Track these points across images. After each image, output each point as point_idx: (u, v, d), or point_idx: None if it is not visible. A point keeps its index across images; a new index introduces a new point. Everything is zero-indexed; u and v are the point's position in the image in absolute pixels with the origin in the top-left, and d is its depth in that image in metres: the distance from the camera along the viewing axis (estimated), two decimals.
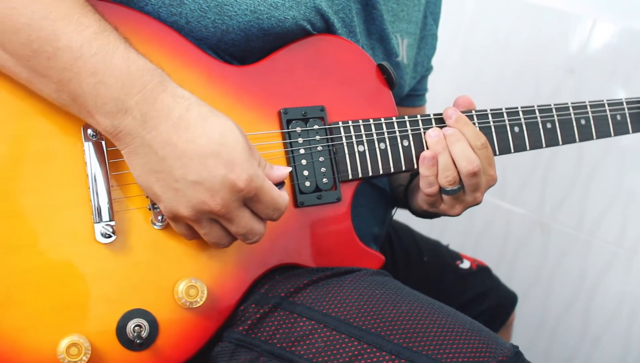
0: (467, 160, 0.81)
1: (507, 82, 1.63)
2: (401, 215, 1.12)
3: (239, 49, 0.78)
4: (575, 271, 1.63)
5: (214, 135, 0.63)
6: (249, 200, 0.65)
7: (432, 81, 1.15)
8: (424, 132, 0.85)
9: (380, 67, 0.85)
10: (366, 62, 0.85)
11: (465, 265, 1.18)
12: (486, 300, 1.15)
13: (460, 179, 0.83)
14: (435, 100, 1.16)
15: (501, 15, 1.62)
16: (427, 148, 0.84)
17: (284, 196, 0.68)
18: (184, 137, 0.63)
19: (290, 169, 0.71)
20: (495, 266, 1.25)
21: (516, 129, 0.89)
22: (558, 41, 1.57)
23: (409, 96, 1.06)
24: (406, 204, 0.98)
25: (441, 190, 0.83)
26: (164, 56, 0.74)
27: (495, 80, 1.65)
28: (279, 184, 0.69)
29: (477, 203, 0.87)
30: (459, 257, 1.20)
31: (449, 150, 0.82)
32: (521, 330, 1.36)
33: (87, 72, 0.62)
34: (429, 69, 1.09)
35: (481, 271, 1.19)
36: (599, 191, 1.56)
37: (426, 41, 1.03)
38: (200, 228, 0.67)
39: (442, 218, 0.94)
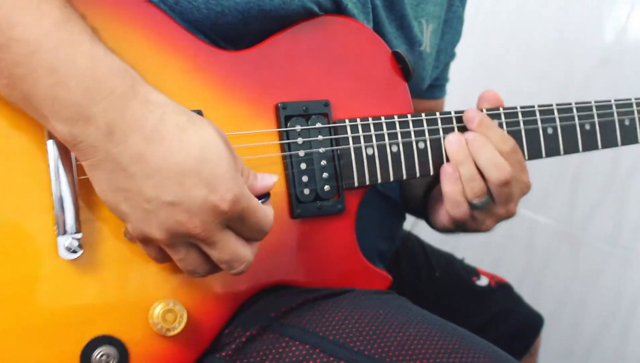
0: (496, 167, 0.81)
1: (532, 72, 1.62)
2: (409, 223, 1.10)
3: (235, 32, 0.76)
4: (610, 290, 1.62)
5: (193, 149, 0.61)
6: (233, 222, 0.64)
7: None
8: (444, 136, 0.83)
9: (396, 55, 0.84)
10: (379, 48, 0.83)
11: (483, 281, 1.18)
12: (507, 322, 1.14)
13: (489, 190, 0.82)
14: (452, 93, 1.13)
15: None
16: (447, 157, 0.82)
17: (269, 216, 0.66)
18: (158, 152, 0.60)
19: (277, 178, 0.69)
20: (517, 283, 1.24)
21: (549, 130, 0.88)
22: (590, 27, 1.55)
23: (430, 85, 1.05)
24: (424, 216, 0.97)
25: (471, 206, 0.83)
26: (141, 36, 0.72)
27: (519, 69, 1.64)
28: (263, 197, 0.67)
29: (511, 216, 0.86)
30: (475, 273, 1.19)
31: (473, 158, 0.81)
32: (547, 357, 1.34)
33: (43, 70, 0.59)
34: (452, 55, 1.08)
35: (501, 289, 1.18)
36: (638, 198, 1.54)
37: (451, 24, 1.02)
38: (174, 252, 0.65)
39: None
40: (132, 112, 0.60)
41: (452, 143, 0.82)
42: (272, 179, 0.68)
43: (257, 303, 0.76)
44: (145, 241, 0.65)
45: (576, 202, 1.64)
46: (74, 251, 0.67)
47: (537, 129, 0.88)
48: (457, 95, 1.13)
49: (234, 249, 0.64)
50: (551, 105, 0.89)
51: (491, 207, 0.84)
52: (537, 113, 0.89)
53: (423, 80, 0.96)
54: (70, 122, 0.60)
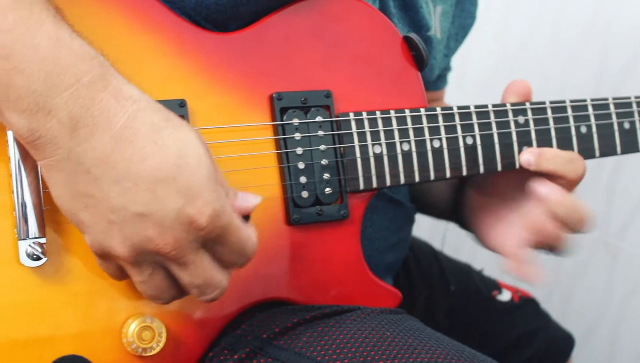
0: (576, 216, 0.83)
1: (560, 61, 1.61)
2: (419, 229, 1.08)
3: (224, 15, 0.76)
4: None
5: (169, 153, 0.60)
6: (210, 242, 0.62)
7: (462, 58, 1.10)
8: (463, 135, 0.83)
9: (407, 41, 0.83)
10: (389, 33, 0.83)
11: (505, 296, 1.17)
12: (533, 343, 1.14)
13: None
14: (469, 84, 1.12)
15: None
16: (467, 158, 0.84)
17: (253, 238, 0.65)
18: (128, 153, 0.59)
19: (260, 199, 0.67)
20: (544, 299, 1.23)
21: (583, 129, 0.88)
22: (629, 8, 1.54)
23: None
24: (455, 220, 0.97)
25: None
26: (117, 15, 0.72)
27: (545, 58, 1.62)
28: (244, 219, 0.66)
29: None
30: (496, 286, 1.19)
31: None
32: None
33: None
34: (461, 42, 1.08)
35: (526, 305, 1.17)
36: None
37: (462, 7, 1.02)
38: (137, 273, 0.63)
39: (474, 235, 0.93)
40: (100, 105, 0.59)
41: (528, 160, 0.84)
42: (254, 199, 0.67)
43: (247, 322, 0.76)
44: (104, 256, 0.63)
45: (613, 205, 1.63)
46: (37, 258, 0.66)
47: (569, 128, 0.88)
48: (474, 86, 1.12)
49: (209, 272, 0.63)
50: (585, 100, 0.89)
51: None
52: (569, 109, 0.88)
53: (432, 70, 0.96)
54: (28, 114, 0.58)
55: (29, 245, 0.66)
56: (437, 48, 0.95)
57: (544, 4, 1.63)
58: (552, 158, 0.84)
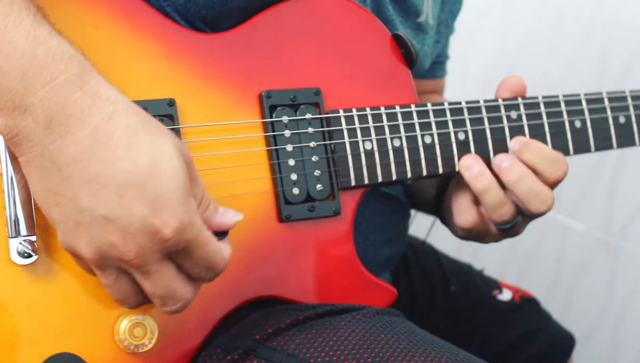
0: (539, 199, 0.82)
1: (560, 56, 1.60)
2: (418, 228, 1.08)
3: (213, 11, 0.76)
4: None
5: (142, 159, 0.59)
6: (175, 253, 0.62)
7: (461, 56, 1.11)
8: (454, 130, 0.83)
9: (396, 39, 0.83)
10: (377, 31, 0.83)
11: (506, 296, 1.17)
12: (534, 343, 1.13)
13: (519, 212, 0.83)
14: (469, 80, 1.12)
15: None
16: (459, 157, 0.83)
17: (223, 252, 0.64)
18: (100, 154, 0.59)
19: (241, 216, 0.67)
20: (545, 298, 1.23)
21: (577, 124, 0.88)
22: (632, 2, 1.54)
23: (430, 64, 1.04)
24: (439, 217, 0.97)
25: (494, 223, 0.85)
26: (108, 18, 0.72)
27: (546, 53, 1.62)
28: (221, 235, 0.66)
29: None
30: (497, 286, 1.18)
31: (510, 188, 0.82)
32: None
33: None
34: (451, 28, 1.07)
35: (527, 305, 1.17)
36: None
37: None
38: (102, 276, 0.63)
39: None
40: (75, 104, 0.59)
41: (469, 168, 0.82)
42: (234, 217, 0.66)
43: (240, 321, 0.76)
44: (73, 255, 0.64)
45: (614, 205, 1.62)
46: (28, 255, 0.67)
47: (563, 122, 0.87)
48: (476, 82, 1.12)
49: (172, 284, 0.63)
50: (578, 95, 0.89)
51: (516, 226, 0.85)
52: (562, 104, 0.88)
53: (425, 57, 0.95)
54: (6, 112, 0.59)
55: (20, 243, 0.67)
56: (429, 34, 0.95)
57: (543, 6, 1.64)
58: (535, 150, 0.83)
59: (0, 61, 0.58)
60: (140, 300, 0.65)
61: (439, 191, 0.95)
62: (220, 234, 0.66)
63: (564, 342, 1.16)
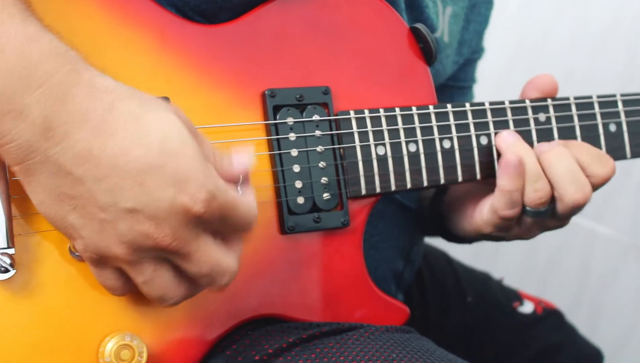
0: (577, 185, 0.80)
1: (584, 53, 1.56)
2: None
3: (214, 4, 0.75)
4: None
5: (152, 141, 0.60)
6: (210, 223, 0.62)
7: None
8: (476, 134, 0.81)
9: (414, 32, 0.81)
10: (394, 23, 0.81)
11: (527, 307, 1.15)
12: (557, 358, 1.11)
13: (554, 201, 0.81)
14: (486, 79, 1.10)
15: None
16: (480, 160, 0.81)
17: (252, 204, 0.65)
18: (110, 147, 0.59)
19: (252, 151, 0.67)
20: (571, 310, 1.21)
21: (612, 127, 0.86)
22: None
23: (448, 87, 1.03)
24: (435, 225, 0.95)
25: (524, 211, 0.82)
26: (98, 9, 0.71)
27: (569, 49, 1.59)
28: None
29: (562, 226, 0.87)
30: (517, 297, 1.16)
31: (544, 171, 0.80)
32: None
33: None
34: (478, 51, 1.06)
35: (550, 317, 1.15)
36: None
37: (479, 10, 1.00)
38: (139, 273, 0.63)
39: (494, 242, 0.93)
40: (74, 101, 0.59)
41: (506, 137, 0.81)
42: (248, 156, 0.66)
43: (237, 341, 0.74)
44: (102, 261, 0.63)
45: None
46: (5, 271, 0.65)
47: (596, 126, 0.86)
48: (492, 81, 1.09)
49: (215, 258, 0.63)
50: (614, 95, 0.87)
51: (546, 218, 0.83)
52: (596, 105, 0.86)
53: (438, 76, 0.93)
54: None
55: None
56: (444, 52, 0.93)
57: None
58: (578, 144, 0.82)
59: None
60: (184, 293, 0.65)
61: (433, 200, 0.94)
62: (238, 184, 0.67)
63: (591, 358, 1.14)
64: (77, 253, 0.67)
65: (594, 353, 1.14)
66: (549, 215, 0.82)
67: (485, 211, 0.84)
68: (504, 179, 0.79)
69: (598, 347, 1.15)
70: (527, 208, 0.81)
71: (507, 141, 0.81)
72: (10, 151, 0.59)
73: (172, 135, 0.60)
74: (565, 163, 0.80)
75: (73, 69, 0.60)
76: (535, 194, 0.79)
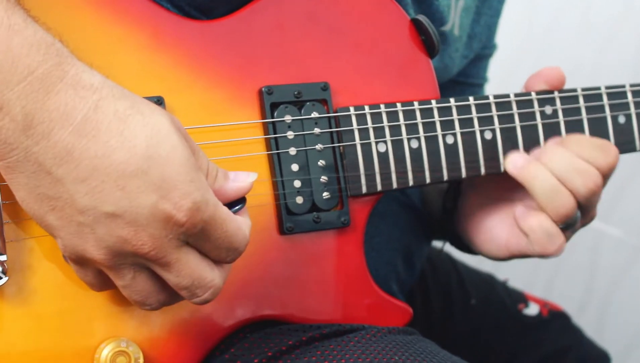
0: (585, 175, 0.79)
1: (592, 46, 1.57)
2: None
3: (210, 0, 0.74)
4: None
5: (137, 144, 0.58)
6: (193, 237, 0.61)
7: None
8: (480, 129, 0.79)
9: (416, 24, 0.80)
10: (394, 15, 0.80)
11: (533, 310, 1.14)
12: (563, 361, 1.10)
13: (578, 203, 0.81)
14: (490, 71, 1.09)
15: None
16: (485, 156, 0.80)
17: (243, 229, 0.63)
18: (92, 149, 0.58)
19: (255, 176, 0.66)
20: (577, 312, 1.22)
21: (621, 119, 0.85)
22: None
23: (457, 83, 1.02)
24: (446, 235, 0.95)
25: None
26: (87, 4, 0.69)
27: (576, 40, 1.58)
28: (238, 204, 0.65)
29: (587, 224, 0.87)
30: (522, 299, 1.15)
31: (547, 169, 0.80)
32: None
33: None
34: (490, 47, 1.05)
35: (556, 320, 1.14)
36: None
37: (490, 4, 0.98)
38: (118, 277, 0.62)
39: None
40: (57, 98, 0.57)
41: (514, 161, 0.80)
42: (249, 178, 0.65)
43: (236, 344, 0.74)
44: (80, 262, 0.62)
45: None
46: None
47: (605, 118, 0.85)
48: (497, 73, 1.08)
49: (196, 271, 0.62)
50: (623, 86, 0.86)
51: (578, 220, 0.83)
52: (605, 97, 0.85)
53: (445, 71, 0.92)
54: None
55: None
56: (453, 46, 0.92)
57: None
58: (576, 139, 0.81)
59: None
60: (163, 299, 0.64)
61: (444, 204, 0.93)
62: (237, 202, 0.65)
63: (598, 361, 1.13)
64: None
65: (601, 356, 1.13)
66: (578, 220, 0.82)
67: (508, 237, 0.84)
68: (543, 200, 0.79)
69: (605, 350, 1.15)
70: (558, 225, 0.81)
71: (517, 165, 0.80)
72: None
73: (161, 140, 0.59)
74: (565, 160, 0.79)
75: (57, 63, 0.58)
76: (558, 211, 0.79)
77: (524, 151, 0.81)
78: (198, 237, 0.61)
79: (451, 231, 0.93)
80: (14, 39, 0.57)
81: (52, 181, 0.58)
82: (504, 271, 1.21)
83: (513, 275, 1.22)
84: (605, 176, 0.81)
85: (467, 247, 0.94)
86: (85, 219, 0.59)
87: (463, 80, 1.02)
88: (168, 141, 0.59)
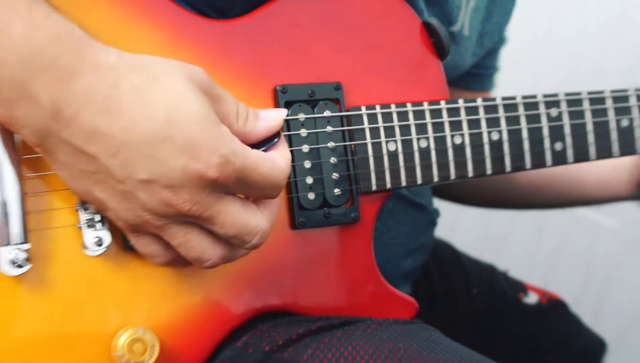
0: None
1: (592, 45, 1.55)
2: (439, 229, 1.06)
3: (228, 1, 0.75)
4: None
5: (158, 112, 0.60)
6: (231, 187, 0.63)
7: None
8: (488, 130, 0.80)
9: (427, 27, 0.80)
10: (406, 17, 0.80)
11: (532, 299, 1.15)
12: (562, 348, 1.12)
13: None
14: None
15: None
16: (492, 155, 0.80)
17: (278, 163, 0.64)
18: (117, 124, 0.60)
19: (285, 111, 0.67)
20: (575, 301, 1.21)
21: (624, 123, 0.86)
22: None
23: (470, 74, 1.02)
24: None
25: None
26: (105, 2, 0.70)
27: (573, 46, 1.56)
28: (273, 139, 0.66)
29: None
30: (522, 288, 1.17)
31: None
32: None
33: None
34: (501, 40, 1.05)
35: (555, 308, 1.16)
36: None
37: (501, 3, 0.99)
38: (172, 237, 0.64)
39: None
40: (80, 82, 0.59)
41: None
42: (279, 114, 0.66)
43: (248, 333, 0.74)
44: (135, 229, 0.64)
45: None
46: (20, 266, 0.65)
47: (608, 122, 0.86)
48: (501, 72, 1.08)
49: (239, 219, 0.63)
50: (626, 90, 0.87)
51: None
52: (610, 101, 0.86)
53: (456, 68, 0.93)
54: (9, 103, 0.59)
55: (11, 251, 0.64)
56: (463, 45, 0.92)
57: None
58: None
59: (1, 52, 0.57)
60: (220, 253, 0.65)
61: None
62: (273, 138, 0.66)
63: (595, 348, 1.15)
64: (85, 208, 0.67)
65: (598, 343, 1.15)
66: None
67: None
68: None
69: (602, 337, 1.16)
70: None
71: None
72: (26, 136, 0.60)
73: (179, 104, 0.60)
74: None
75: (77, 49, 0.60)
76: None
77: (529, 151, 0.81)
78: (236, 186, 0.62)
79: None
80: (37, 32, 0.58)
81: (87, 159, 0.60)
82: (504, 262, 1.21)
83: (513, 265, 1.21)
84: None
85: None
86: (126, 188, 0.61)
87: (475, 71, 1.02)
88: (186, 103, 0.60)
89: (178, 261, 0.66)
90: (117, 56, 0.61)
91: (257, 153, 0.63)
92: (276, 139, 0.66)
